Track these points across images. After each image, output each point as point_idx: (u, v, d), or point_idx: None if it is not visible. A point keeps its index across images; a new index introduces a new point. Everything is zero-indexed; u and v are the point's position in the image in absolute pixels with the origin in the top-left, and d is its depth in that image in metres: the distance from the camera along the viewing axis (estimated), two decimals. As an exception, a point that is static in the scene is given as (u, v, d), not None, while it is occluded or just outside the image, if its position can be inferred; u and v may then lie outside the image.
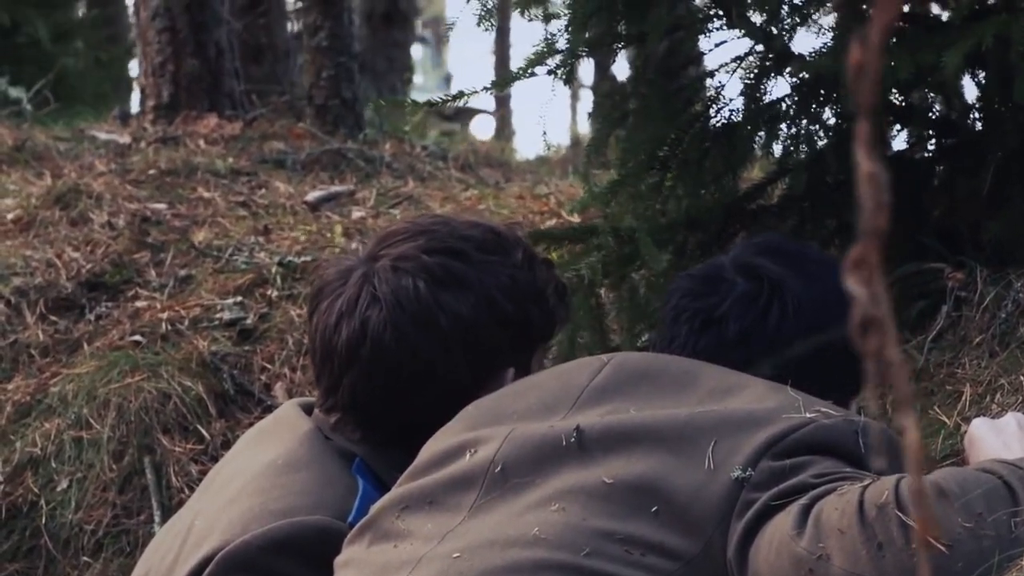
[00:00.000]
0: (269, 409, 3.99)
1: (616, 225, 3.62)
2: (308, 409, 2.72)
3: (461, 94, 3.71)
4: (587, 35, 3.54)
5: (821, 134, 3.59)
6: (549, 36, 3.53)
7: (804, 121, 3.58)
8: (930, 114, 3.68)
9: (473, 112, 15.03)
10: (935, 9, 3.57)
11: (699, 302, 2.57)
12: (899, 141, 3.75)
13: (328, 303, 2.63)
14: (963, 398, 3.14)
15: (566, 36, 3.52)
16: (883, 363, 0.99)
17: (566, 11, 3.57)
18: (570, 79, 3.60)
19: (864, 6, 3.38)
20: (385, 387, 2.60)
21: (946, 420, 3.10)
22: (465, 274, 2.60)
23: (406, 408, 2.61)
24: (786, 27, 3.54)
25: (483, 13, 3.58)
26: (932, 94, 3.65)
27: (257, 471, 2.58)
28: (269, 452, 2.61)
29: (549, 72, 3.57)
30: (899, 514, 2.03)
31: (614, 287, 3.74)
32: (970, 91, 3.57)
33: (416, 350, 2.59)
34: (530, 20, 3.65)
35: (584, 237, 3.73)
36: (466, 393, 2.59)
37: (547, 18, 3.60)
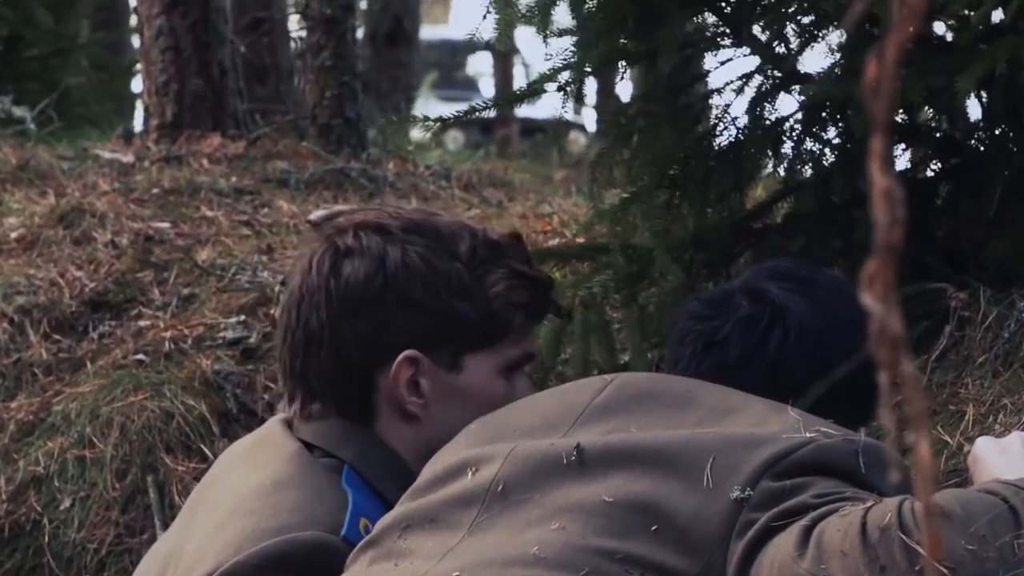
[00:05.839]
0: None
1: (627, 243, 3.61)
2: (291, 424, 2.72)
3: (473, 110, 3.70)
4: (596, 52, 3.52)
5: (827, 153, 3.59)
6: (555, 53, 3.52)
7: (810, 140, 3.58)
8: (934, 134, 3.68)
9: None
10: (941, 29, 3.56)
11: (703, 324, 2.57)
12: (902, 160, 3.76)
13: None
14: (966, 418, 3.14)
15: (575, 53, 3.50)
16: (898, 379, 0.99)
17: (574, 27, 3.55)
18: (579, 97, 3.60)
19: (868, 25, 3.38)
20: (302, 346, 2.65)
21: (949, 440, 3.09)
22: (368, 247, 2.63)
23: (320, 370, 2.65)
24: (793, 47, 3.54)
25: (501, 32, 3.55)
26: (936, 114, 3.65)
27: (247, 494, 2.57)
28: (257, 473, 2.60)
29: (559, 88, 3.56)
30: (902, 536, 2.02)
31: (624, 305, 3.73)
32: (974, 110, 3.57)
33: (309, 316, 2.63)
34: (546, 38, 3.62)
35: (592, 255, 3.72)
36: (356, 362, 2.63)
37: (560, 34, 3.57)
